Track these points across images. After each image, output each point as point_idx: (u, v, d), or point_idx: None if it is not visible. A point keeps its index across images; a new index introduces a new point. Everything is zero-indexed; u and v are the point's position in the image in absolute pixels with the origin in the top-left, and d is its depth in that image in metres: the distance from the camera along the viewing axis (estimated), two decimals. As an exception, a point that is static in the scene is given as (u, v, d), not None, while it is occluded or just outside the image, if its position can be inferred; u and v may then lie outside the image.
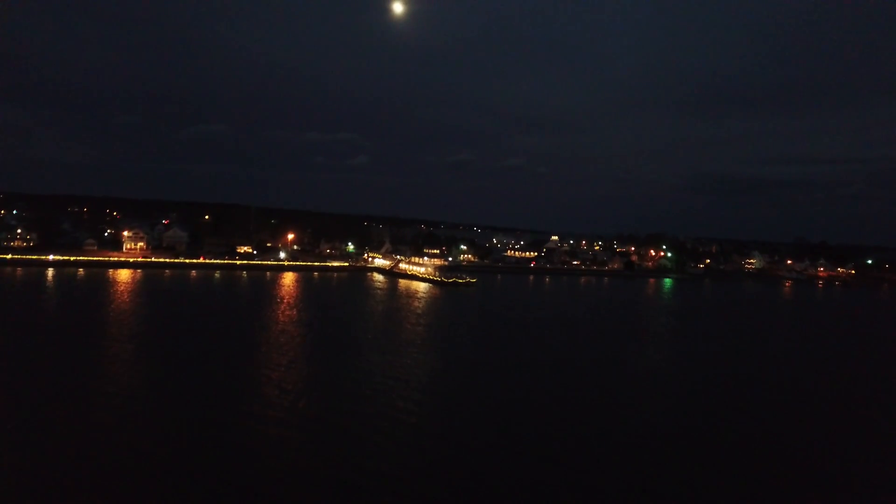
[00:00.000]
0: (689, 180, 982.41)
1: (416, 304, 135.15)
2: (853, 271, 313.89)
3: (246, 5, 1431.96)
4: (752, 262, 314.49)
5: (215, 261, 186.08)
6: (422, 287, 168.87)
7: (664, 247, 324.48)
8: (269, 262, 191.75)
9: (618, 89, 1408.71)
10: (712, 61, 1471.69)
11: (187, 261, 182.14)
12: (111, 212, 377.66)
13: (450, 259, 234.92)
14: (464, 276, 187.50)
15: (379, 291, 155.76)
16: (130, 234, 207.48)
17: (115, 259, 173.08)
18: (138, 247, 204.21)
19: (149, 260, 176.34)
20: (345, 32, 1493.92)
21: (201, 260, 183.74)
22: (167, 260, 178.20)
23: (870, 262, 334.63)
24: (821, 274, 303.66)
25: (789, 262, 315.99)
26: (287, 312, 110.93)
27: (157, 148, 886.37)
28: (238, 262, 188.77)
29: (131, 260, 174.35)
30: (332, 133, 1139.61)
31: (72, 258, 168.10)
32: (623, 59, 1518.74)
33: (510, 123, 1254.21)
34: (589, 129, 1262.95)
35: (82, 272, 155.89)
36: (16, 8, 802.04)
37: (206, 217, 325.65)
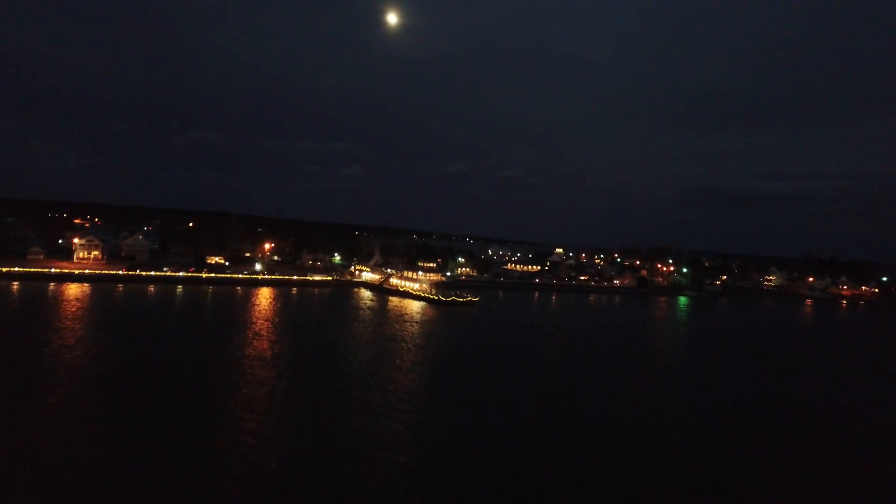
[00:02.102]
0: (683, 194, 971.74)
1: (411, 330, 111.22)
2: (876, 290, 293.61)
3: (241, 14, 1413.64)
4: (771, 280, 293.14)
5: (176, 273, 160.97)
6: (415, 306, 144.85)
7: (671, 261, 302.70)
8: (239, 276, 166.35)
9: (610, 103, 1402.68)
10: (705, 76, 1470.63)
11: (144, 273, 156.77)
12: (92, 217, 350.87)
13: (447, 273, 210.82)
14: (464, 293, 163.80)
15: (366, 312, 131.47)
16: (83, 241, 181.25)
17: (56, 272, 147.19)
18: (92, 256, 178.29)
19: (96, 272, 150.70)
20: (340, 42, 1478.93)
21: (137, 273, 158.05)
22: (118, 272, 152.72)
23: (885, 279, 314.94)
24: (844, 292, 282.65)
25: (810, 279, 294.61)
26: (254, 343, 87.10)
27: (148, 155, 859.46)
28: (204, 276, 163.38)
29: (76, 272, 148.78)
30: (326, 142, 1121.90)
31: (4, 269, 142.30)
32: (615, 73, 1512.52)
33: (504, 135, 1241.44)
34: (582, 141, 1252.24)
35: (17, 286, 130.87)
36: (7, 13, 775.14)
37: (191, 224, 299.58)
